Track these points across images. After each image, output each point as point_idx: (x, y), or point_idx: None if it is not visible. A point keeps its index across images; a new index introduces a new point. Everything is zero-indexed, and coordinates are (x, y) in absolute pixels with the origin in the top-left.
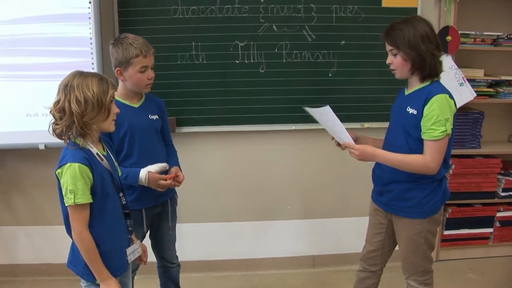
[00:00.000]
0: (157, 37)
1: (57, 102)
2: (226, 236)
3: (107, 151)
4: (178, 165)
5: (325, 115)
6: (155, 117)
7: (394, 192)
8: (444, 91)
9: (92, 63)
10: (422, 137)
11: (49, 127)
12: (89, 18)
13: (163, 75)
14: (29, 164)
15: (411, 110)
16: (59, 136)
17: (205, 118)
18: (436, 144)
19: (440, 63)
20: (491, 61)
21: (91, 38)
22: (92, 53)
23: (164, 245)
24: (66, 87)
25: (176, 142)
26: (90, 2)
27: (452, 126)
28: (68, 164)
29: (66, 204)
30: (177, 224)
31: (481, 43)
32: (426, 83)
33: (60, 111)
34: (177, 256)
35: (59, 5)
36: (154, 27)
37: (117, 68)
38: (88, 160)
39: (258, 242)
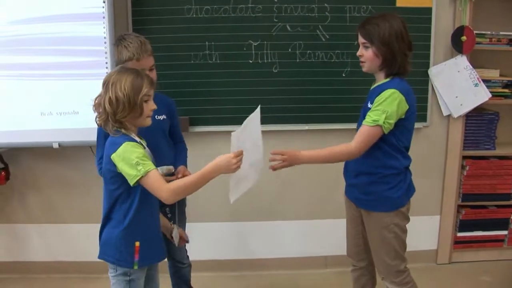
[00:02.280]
0: (171, 36)
1: (98, 97)
2: (238, 235)
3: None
4: (186, 164)
5: (253, 120)
6: (162, 117)
7: (360, 186)
8: (398, 87)
9: (106, 62)
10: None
11: (96, 118)
12: (103, 17)
13: (176, 75)
14: (43, 162)
15: (369, 105)
16: (103, 127)
17: (218, 117)
18: (366, 130)
19: (409, 63)
20: (507, 62)
21: (105, 38)
22: (106, 52)
23: (173, 247)
24: (105, 84)
25: (189, 141)
26: (104, 2)
27: (392, 121)
28: (124, 144)
29: (136, 179)
30: (189, 224)
31: (496, 43)
32: (388, 79)
33: (97, 107)
34: (188, 256)
35: (74, 5)
36: (168, 27)
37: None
38: (137, 142)
39: (270, 242)
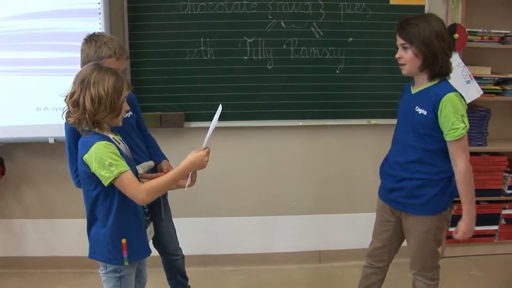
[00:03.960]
0: (166, 32)
1: (72, 94)
2: (233, 230)
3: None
4: (164, 156)
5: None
6: (129, 114)
7: (405, 190)
8: (453, 89)
9: None
10: (446, 139)
11: (63, 114)
12: (99, 13)
13: (171, 71)
14: (38, 157)
15: (420, 110)
16: (72, 125)
17: (213, 113)
18: (460, 142)
19: (450, 63)
20: (498, 59)
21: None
22: None
23: (164, 239)
24: (83, 82)
25: (184, 137)
26: None
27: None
28: (95, 144)
29: (109, 180)
30: (186, 218)
31: (488, 41)
32: (434, 82)
33: (74, 104)
34: (180, 248)
35: (70, 1)
36: (163, 23)
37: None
38: (110, 140)
39: (265, 237)
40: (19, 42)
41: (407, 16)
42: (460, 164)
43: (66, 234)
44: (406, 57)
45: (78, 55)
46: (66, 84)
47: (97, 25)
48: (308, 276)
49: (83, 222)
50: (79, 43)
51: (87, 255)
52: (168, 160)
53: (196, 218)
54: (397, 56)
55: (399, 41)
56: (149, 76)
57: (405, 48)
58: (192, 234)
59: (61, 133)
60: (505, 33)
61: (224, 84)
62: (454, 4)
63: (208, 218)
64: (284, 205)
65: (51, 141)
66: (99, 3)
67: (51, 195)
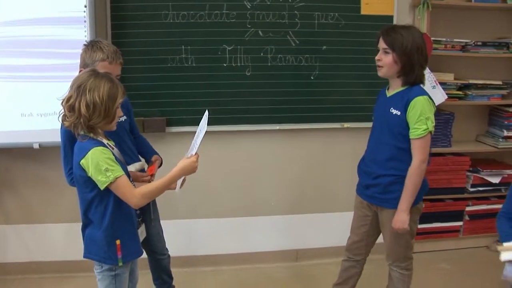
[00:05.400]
0: (149, 40)
1: (68, 99)
2: (213, 231)
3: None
4: (155, 152)
5: (203, 121)
6: (123, 118)
7: (381, 186)
8: (424, 93)
9: None
10: (409, 136)
11: (59, 117)
12: (84, 21)
13: (154, 77)
14: (22, 163)
15: (394, 111)
16: (68, 128)
17: (194, 118)
18: (419, 141)
19: (424, 74)
20: (460, 66)
21: (85, 41)
22: None
23: (153, 239)
24: (79, 88)
25: (166, 141)
26: (85, 6)
27: (433, 124)
28: (92, 150)
29: (105, 185)
30: (167, 221)
31: (451, 49)
32: (407, 86)
33: (70, 108)
34: (167, 248)
35: (56, 9)
36: (146, 31)
37: (80, 69)
38: (105, 146)
39: (244, 238)
40: (4, 49)
41: (393, 24)
42: (414, 161)
43: (46, 239)
44: (386, 61)
45: (63, 61)
46: (51, 90)
47: (82, 33)
48: (286, 274)
49: (65, 226)
50: (64, 50)
51: (68, 259)
52: (158, 154)
53: (175, 220)
54: (377, 58)
55: (382, 45)
56: (131, 82)
57: (386, 53)
58: (172, 236)
59: (46, 139)
60: (466, 42)
61: (205, 90)
62: (420, 15)
63: (188, 220)
64: (262, 206)
65: (36, 146)
66: (84, 12)
67: (33, 200)
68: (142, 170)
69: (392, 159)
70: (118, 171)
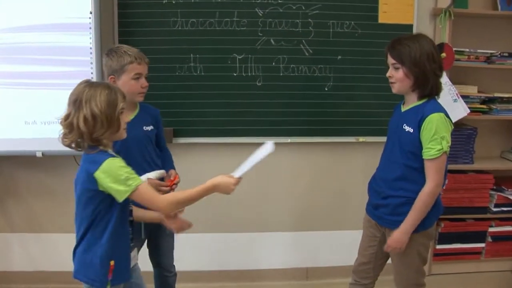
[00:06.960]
0: (156, 48)
1: (67, 116)
2: (221, 247)
3: None
4: (174, 168)
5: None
6: (150, 128)
7: (390, 207)
8: (440, 109)
9: (92, 73)
10: (422, 156)
11: (59, 136)
12: (90, 28)
13: (161, 86)
14: (25, 171)
15: (407, 128)
16: (68, 146)
17: (202, 129)
18: (434, 163)
19: (441, 83)
20: (484, 78)
21: (91, 48)
22: (91, 63)
23: (162, 253)
24: (76, 102)
25: (173, 153)
26: (91, 13)
27: (449, 144)
28: (107, 160)
29: (127, 194)
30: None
31: (475, 60)
32: (423, 100)
33: (68, 126)
34: (174, 266)
35: (61, 15)
36: (154, 39)
37: (110, 77)
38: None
39: (253, 253)
40: (9, 55)
41: (398, 36)
42: (428, 184)
43: (52, 248)
44: (397, 77)
45: (68, 69)
46: (55, 98)
47: (87, 40)
48: None
49: (69, 236)
50: (69, 57)
51: (72, 270)
52: (175, 170)
53: (184, 234)
54: (387, 75)
55: (390, 60)
56: None
57: (396, 68)
58: (177, 251)
59: (49, 147)
60: (491, 53)
61: (213, 100)
62: (441, 24)
63: (196, 234)
64: (272, 222)
65: (39, 154)
66: (90, 18)
67: (37, 209)
68: (161, 180)
69: (401, 179)
70: (138, 179)
